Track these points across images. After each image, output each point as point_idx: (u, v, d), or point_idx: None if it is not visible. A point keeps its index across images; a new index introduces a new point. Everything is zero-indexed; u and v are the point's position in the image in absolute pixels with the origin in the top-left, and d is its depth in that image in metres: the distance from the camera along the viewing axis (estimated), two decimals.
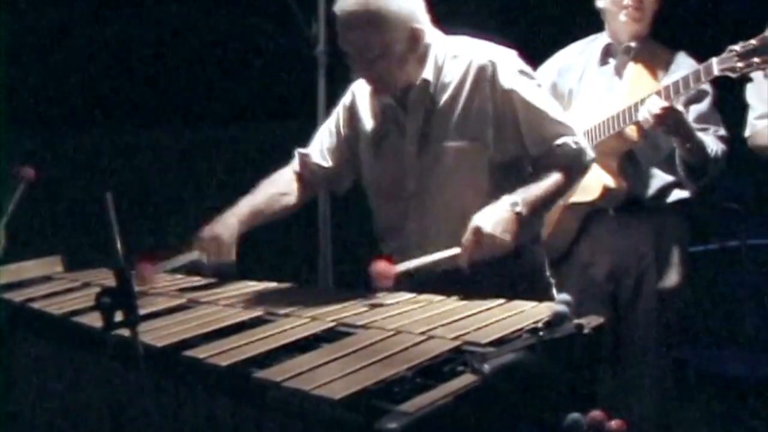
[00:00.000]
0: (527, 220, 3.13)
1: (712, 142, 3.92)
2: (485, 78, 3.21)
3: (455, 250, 3.06)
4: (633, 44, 4.05)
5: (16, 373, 3.28)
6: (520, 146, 3.25)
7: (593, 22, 4.20)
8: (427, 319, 2.70)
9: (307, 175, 3.62)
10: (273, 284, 3.35)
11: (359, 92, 3.48)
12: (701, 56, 3.78)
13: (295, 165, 3.64)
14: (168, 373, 2.54)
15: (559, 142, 3.23)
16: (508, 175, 3.25)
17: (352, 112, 3.50)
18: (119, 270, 2.18)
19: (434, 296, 3.00)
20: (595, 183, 3.94)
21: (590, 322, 2.54)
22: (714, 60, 3.58)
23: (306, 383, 2.17)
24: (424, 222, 3.29)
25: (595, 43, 4.19)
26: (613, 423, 2.30)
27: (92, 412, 2.88)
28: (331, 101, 4.40)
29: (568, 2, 5.19)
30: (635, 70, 4.08)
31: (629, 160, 4.04)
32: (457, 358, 2.33)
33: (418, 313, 2.80)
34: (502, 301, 2.85)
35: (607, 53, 4.14)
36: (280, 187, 3.59)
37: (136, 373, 2.20)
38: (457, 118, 3.23)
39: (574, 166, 3.27)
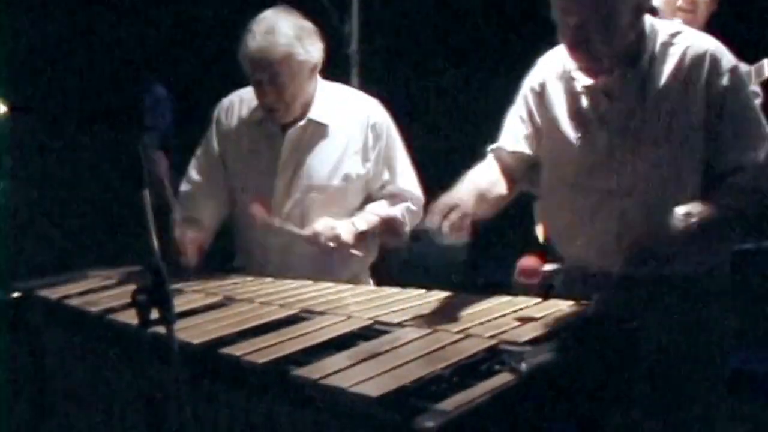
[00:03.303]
0: (698, 237, 2.84)
1: None
2: (702, 70, 2.93)
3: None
4: None
5: (51, 370, 3.30)
6: (707, 150, 2.96)
7: None
8: (465, 318, 2.70)
9: (508, 169, 3.31)
10: (309, 282, 3.35)
11: (549, 74, 3.20)
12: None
13: (490, 161, 3.35)
14: (204, 370, 2.54)
15: (758, 161, 2.92)
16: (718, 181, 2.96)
17: (542, 96, 3.21)
18: (155, 267, 2.19)
19: (470, 295, 2.99)
20: None
21: (629, 322, 2.53)
22: (765, 62, 3.50)
23: (343, 381, 2.17)
24: (615, 223, 3.01)
25: None
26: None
27: (127, 409, 2.89)
28: None
29: None
30: None
31: None
32: (494, 357, 2.32)
33: (455, 311, 2.79)
34: (539, 300, 2.84)
35: None
36: (492, 177, 3.27)
37: (172, 370, 2.19)
38: (667, 112, 2.94)
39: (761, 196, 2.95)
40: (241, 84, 3.76)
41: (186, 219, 3.79)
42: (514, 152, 3.28)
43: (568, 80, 3.12)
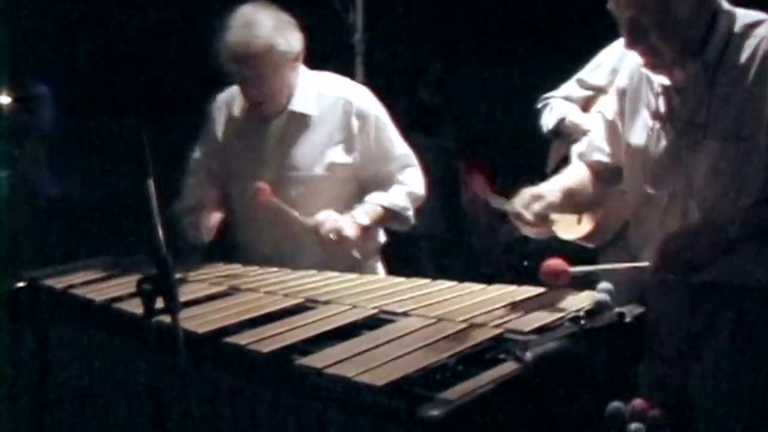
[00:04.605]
0: (739, 246, 2.71)
1: None
2: None
3: (644, 264, 2.82)
4: None
5: (56, 360, 3.30)
6: None
7: None
8: (469, 307, 2.70)
9: (597, 172, 3.19)
10: (313, 271, 3.35)
11: (633, 72, 3.02)
12: None
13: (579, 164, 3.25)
14: (209, 359, 2.55)
15: None
16: None
17: (625, 96, 3.04)
18: (160, 257, 2.19)
19: (475, 284, 2.99)
20: None
21: (631, 310, 2.52)
22: None
23: (348, 370, 2.17)
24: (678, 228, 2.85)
25: None
26: (655, 412, 2.29)
27: (132, 398, 2.89)
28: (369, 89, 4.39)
29: None
30: None
31: None
32: (499, 346, 2.33)
33: (460, 301, 2.80)
34: (543, 289, 2.83)
35: None
36: (581, 178, 3.18)
37: (177, 359, 2.19)
38: (734, 109, 2.74)
39: None
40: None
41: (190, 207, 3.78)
42: (597, 160, 3.18)
43: (647, 77, 2.96)
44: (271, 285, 3.15)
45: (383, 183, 3.80)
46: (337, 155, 3.71)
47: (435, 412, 1.94)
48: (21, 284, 3.45)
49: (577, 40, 4.03)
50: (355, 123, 3.71)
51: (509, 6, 6.46)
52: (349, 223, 3.59)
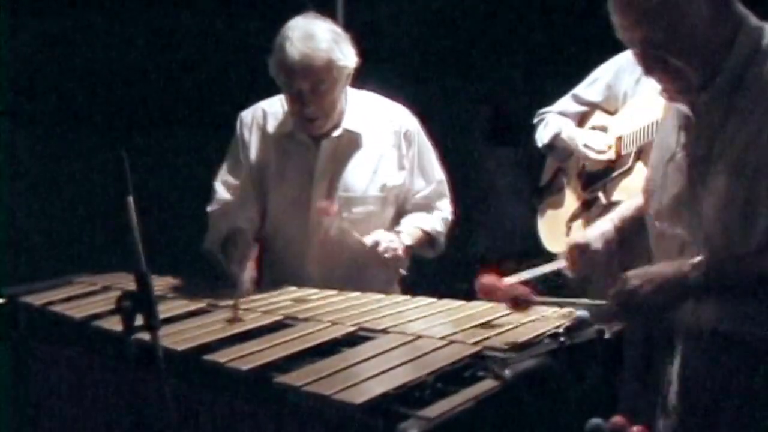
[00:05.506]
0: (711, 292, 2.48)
1: None
2: None
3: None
4: None
5: (35, 377, 3.29)
6: None
7: None
8: (448, 324, 2.70)
9: None
10: (293, 288, 3.35)
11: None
12: None
13: None
14: (188, 377, 2.54)
15: None
16: None
17: (663, 128, 2.80)
18: (140, 274, 2.18)
19: (454, 301, 2.99)
20: (640, 184, 3.80)
21: (611, 327, 2.53)
22: None
23: (326, 388, 2.17)
24: None
25: None
26: (635, 429, 2.29)
27: (112, 416, 2.88)
28: None
29: None
30: None
31: None
32: (478, 363, 2.32)
33: (439, 318, 2.80)
34: None
35: None
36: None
37: (157, 377, 2.19)
38: (744, 139, 2.42)
39: None
40: None
41: (226, 237, 3.56)
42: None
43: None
44: (251, 302, 3.15)
45: (421, 206, 3.74)
46: (390, 176, 3.64)
47: (414, 430, 1.94)
48: (0, 301, 3.43)
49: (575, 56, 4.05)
50: (403, 143, 3.65)
51: (493, 23, 6.48)
52: (399, 243, 3.54)
